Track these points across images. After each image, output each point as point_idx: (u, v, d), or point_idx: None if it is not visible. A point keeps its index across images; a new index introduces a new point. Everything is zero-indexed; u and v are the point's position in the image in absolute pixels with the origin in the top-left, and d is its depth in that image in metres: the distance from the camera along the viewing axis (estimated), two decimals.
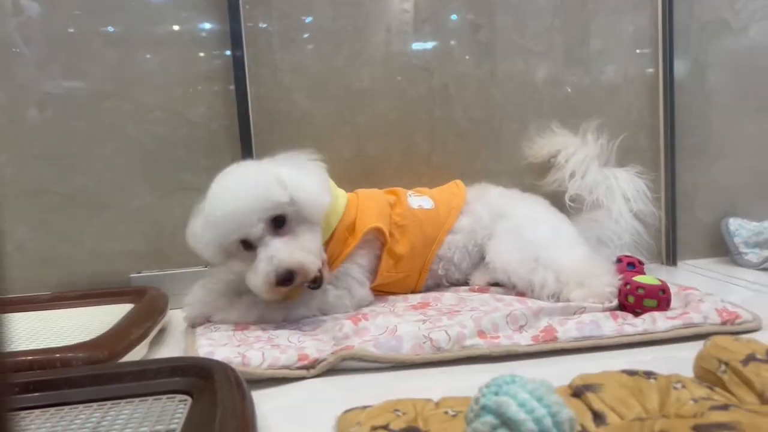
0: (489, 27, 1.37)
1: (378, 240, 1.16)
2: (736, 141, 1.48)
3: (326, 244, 1.11)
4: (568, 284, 1.07)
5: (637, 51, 1.43)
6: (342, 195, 1.16)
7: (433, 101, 1.37)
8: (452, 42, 1.36)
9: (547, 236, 1.16)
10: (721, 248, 1.46)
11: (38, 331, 1.02)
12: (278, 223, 1.00)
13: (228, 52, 1.27)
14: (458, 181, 1.31)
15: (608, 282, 1.05)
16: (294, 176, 1.03)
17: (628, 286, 1.01)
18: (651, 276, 1.04)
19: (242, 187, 1.01)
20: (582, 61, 1.41)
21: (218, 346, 0.91)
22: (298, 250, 0.99)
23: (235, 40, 1.26)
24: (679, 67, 1.42)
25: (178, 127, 1.28)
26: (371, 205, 1.16)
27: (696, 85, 1.45)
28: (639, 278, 1.01)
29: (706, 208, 1.49)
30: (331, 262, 1.11)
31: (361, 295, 1.12)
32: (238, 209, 0.98)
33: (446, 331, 0.89)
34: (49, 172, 1.26)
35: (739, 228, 1.42)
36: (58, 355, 0.82)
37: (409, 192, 1.24)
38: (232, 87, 1.27)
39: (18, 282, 1.25)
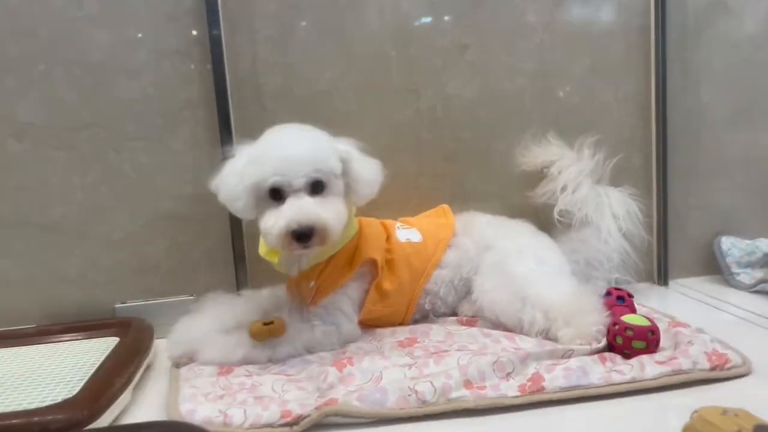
0: (476, 46, 1.34)
1: (370, 273, 1.14)
2: (729, 157, 1.46)
3: (326, 263, 1.09)
4: (556, 321, 1.06)
5: (629, 68, 1.40)
6: (355, 221, 1.14)
7: (421, 123, 1.34)
8: (439, 62, 1.33)
9: (533, 270, 1.14)
10: (714, 265, 1.44)
11: (21, 377, 1.01)
12: (317, 188, 1.00)
13: (210, 78, 1.24)
14: (446, 208, 1.29)
15: (596, 321, 1.03)
16: (354, 151, 1.07)
17: (617, 327, 0.99)
18: (640, 315, 1.02)
19: (301, 139, 1.03)
20: (572, 79, 1.38)
21: (200, 399, 0.89)
22: (326, 212, 0.98)
23: (217, 62, 1.23)
24: (672, 84, 1.39)
25: (159, 155, 1.26)
26: (371, 235, 1.15)
27: (689, 101, 1.43)
28: (628, 318, 1.00)
29: (699, 225, 1.47)
30: (324, 287, 1.09)
31: (349, 330, 1.10)
32: (291, 154, 0.99)
33: (432, 383, 0.88)
34: (29, 203, 1.23)
35: (732, 247, 1.41)
36: (36, 419, 0.80)
37: (397, 224, 1.22)
38: (215, 113, 1.24)
39: (1, 315, 1.24)
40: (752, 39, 1.43)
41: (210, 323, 1.11)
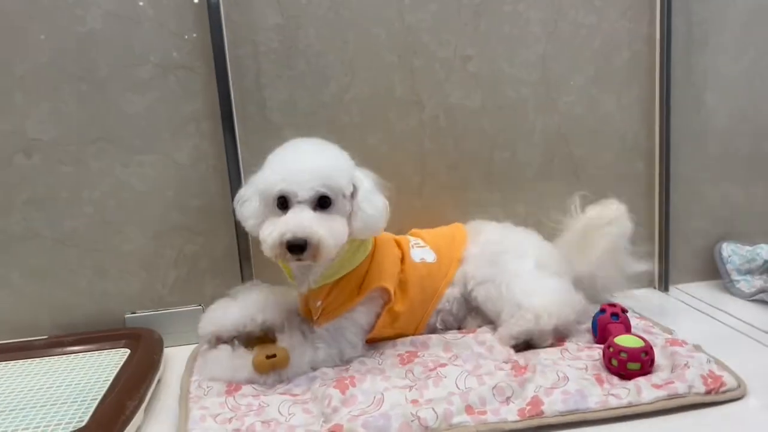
0: (479, 57, 1.33)
1: (381, 298, 1.14)
2: (732, 163, 1.47)
3: (333, 284, 1.10)
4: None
5: (633, 75, 1.39)
6: (368, 242, 1.13)
7: (424, 134, 1.35)
8: (442, 73, 1.33)
9: (527, 269, 1.17)
10: (715, 271, 1.45)
11: (35, 396, 1.04)
12: (323, 203, 1.01)
13: (215, 91, 1.24)
14: (459, 225, 1.29)
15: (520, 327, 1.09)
16: (367, 185, 1.06)
17: (611, 350, 1.01)
18: (633, 336, 1.03)
19: (315, 152, 1.05)
20: (575, 88, 1.38)
21: (210, 422, 0.93)
22: (324, 228, 0.98)
23: (222, 75, 1.24)
24: (676, 91, 1.39)
25: (166, 169, 1.27)
26: (386, 258, 1.14)
27: (692, 107, 1.42)
28: (621, 340, 1.01)
29: (701, 230, 1.48)
30: (330, 310, 1.10)
31: (351, 356, 1.11)
32: (301, 165, 1.01)
33: (433, 409, 0.91)
34: (39, 217, 1.25)
35: (732, 254, 1.42)
36: None
37: (411, 241, 1.22)
38: (221, 126, 1.25)
39: (13, 325, 1.27)
40: (758, 47, 1.42)
41: (239, 313, 1.15)
